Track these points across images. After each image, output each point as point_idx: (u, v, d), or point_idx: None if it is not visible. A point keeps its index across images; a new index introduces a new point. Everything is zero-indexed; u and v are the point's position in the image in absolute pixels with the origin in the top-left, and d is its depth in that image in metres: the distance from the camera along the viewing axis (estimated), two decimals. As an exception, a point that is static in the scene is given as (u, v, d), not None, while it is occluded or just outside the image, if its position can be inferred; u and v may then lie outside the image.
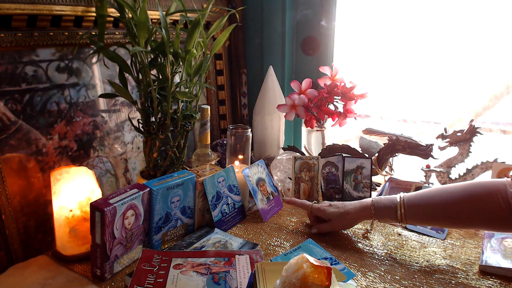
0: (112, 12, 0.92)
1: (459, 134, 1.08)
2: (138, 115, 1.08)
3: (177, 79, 0.96)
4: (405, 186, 1.08)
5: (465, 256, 0.85)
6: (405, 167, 1.24)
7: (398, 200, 0.84)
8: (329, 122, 1.26)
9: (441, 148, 1.10)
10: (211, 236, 0.89)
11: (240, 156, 1.10)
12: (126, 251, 0.79)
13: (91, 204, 0.74)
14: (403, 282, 0.76)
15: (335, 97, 1.20)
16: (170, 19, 1.12)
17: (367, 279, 0.77)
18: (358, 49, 1.50)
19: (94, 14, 0.91)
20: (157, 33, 0.94)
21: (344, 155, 1.15)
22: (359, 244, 0.90)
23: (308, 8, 1.38)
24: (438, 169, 1.10)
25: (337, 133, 1.42)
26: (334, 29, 1.37)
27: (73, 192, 0.82)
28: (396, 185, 1.09)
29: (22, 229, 0.86)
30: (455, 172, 1.10)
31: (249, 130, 1.10)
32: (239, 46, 1.45)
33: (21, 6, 0.80)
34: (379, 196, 0.89)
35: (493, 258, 0.80)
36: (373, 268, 0.81)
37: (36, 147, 0.89)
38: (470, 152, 1.08)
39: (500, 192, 0.73)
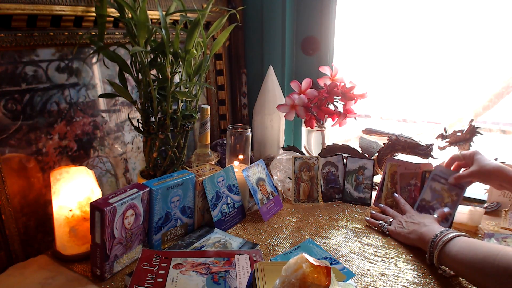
0: (112, 12, 0.92)
1: (459, 134, 1.08)
2: (138, 115, 1.08)
3: (177, 79, 0.96)
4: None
5: (465, 256, 0.85)
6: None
7: None
8: (329, 122, 1.25)
9: (441, 148, 1.10)
10: (210, 236, 0.89)
11: (240, 156, 1.10)
12: (126, 251, 0.79)
13: (91, 204, 0.74)
14: (403, 281, 0.76)
15: (335, 97, 1.20)
16: (170, 19, 1.12)
17: (367, 279, 0.77)
18: (358, 49, 1.50)
19: (94, 14, 0.91)
20: (157, 33, 0.94)
21: (344, 155, 1.15)
22: (359, 244, 0.90)
23: (308, 8, 1.38)
24: (438, 169, 1.10)
25: (337, 133, 1.42)
26: (334, 29, 1.37)
27: (73, 192, 0.83)
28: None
29: (22, 229, 0.86)
30: (455, 172, 1.10)
31: (249, 130, 1.10)
32: (239, 46, 1.45)
33: (21, 6, 0.80)
34: None
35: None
36: (373, 268, 0.81)
37: (36, 147, 0.89)
38: (470, 152, 1.08)
39: None
